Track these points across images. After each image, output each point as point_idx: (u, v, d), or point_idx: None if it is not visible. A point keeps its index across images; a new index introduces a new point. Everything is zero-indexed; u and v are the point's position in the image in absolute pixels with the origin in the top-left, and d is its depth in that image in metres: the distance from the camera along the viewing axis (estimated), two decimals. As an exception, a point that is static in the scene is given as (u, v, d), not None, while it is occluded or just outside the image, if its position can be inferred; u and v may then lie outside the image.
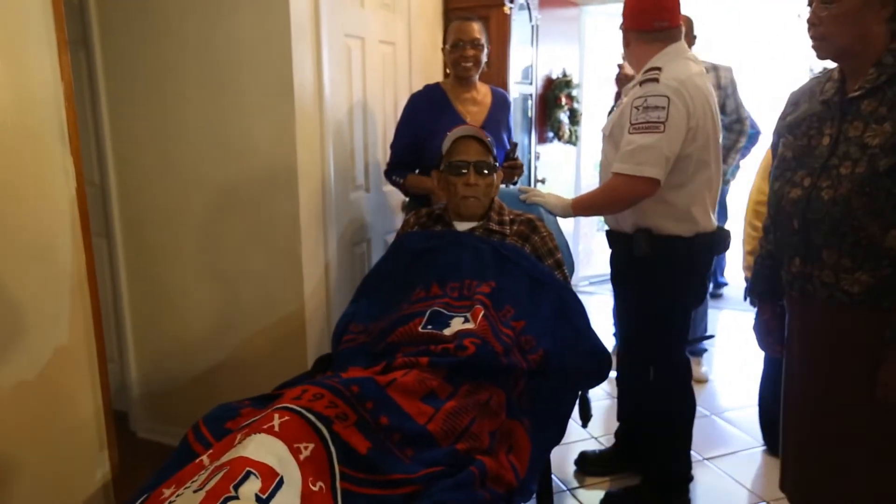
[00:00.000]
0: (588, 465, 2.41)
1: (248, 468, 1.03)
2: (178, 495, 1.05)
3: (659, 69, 1.82)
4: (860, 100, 1.31)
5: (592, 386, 1.68)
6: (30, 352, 1.52)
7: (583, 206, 2.02)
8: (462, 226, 1.84)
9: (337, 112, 2.41)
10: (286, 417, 1.14)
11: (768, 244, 1.57)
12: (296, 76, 2.15)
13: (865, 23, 1.28)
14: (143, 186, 2.49)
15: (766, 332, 1.64)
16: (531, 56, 3.71)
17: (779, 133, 1.49)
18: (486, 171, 1.79)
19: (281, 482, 1.05)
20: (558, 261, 1.80)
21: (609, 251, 2.14)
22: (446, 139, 1.86)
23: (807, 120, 1.41)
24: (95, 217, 2.70)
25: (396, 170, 2.43)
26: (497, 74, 3.12)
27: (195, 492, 1.02)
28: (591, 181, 4.64)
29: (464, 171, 1.78)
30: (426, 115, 2.34)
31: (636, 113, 1.80)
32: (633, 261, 1.98)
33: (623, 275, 2.10)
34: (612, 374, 1.79)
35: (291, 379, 1.58)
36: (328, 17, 2.29)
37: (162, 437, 2.64)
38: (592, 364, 1.64)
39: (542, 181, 3.91)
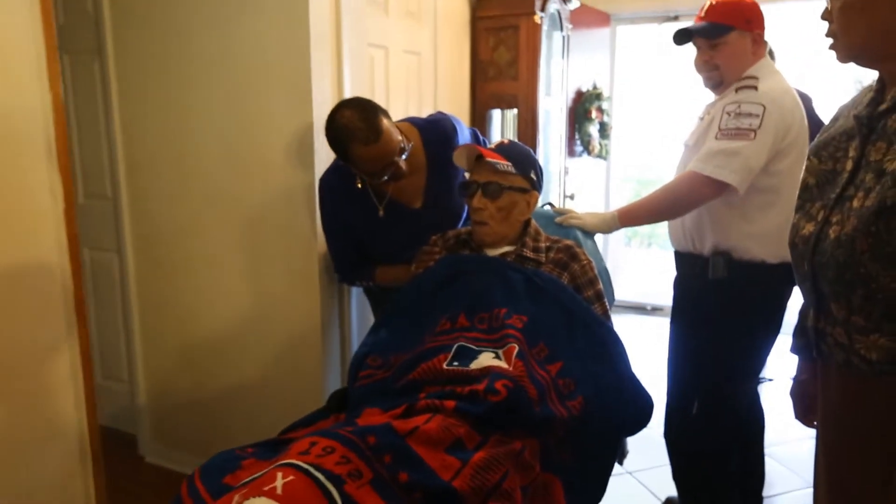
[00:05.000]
0: None
1: (244, 539, 0.89)
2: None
3: (757, 78, 1.75)
4: (888, 114, 1.02)
5: (634, 433, 1.52)
6: (15, 377, 1.40)
7: (632, 215, 1.87)
8: (493, 251, 1.67)
9: (358, 125, 2.28)
10: (290, 477, 0.99)
11: None
12: (315, 87, 2.02)
13: (881, 13, 0.99)
14: (156, 201, 2.39)
15: (801, 395, 1.34)
16: (561, 68, 3.57)
17: (807, 156, 1.22)
18: (505, 190, 1.60)
19: (283, 556, 0.91)
20: (598, 293, 1.62)
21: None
22: (456, 156, 1.70)
23: (835, 140, 1.14)
24: (107, 232, 2.61)
25: (353, 272, 2.01)
26: (527, 85, 2.99)
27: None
28: (621, 196, 4.48)
29: (471, 192, 1.63)
30: (349, 213, 1.91)
31: (727, 119, 1.71)
32: (705, 286, 1.84)
33: (691, 302, 1.92)
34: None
35: (302, 418, 1.44)
36: (350, 26, 2.17)
37: (169, 463, 2.55)
38: (636, 412, 1.47)
39: (571, 196, 3.75)
